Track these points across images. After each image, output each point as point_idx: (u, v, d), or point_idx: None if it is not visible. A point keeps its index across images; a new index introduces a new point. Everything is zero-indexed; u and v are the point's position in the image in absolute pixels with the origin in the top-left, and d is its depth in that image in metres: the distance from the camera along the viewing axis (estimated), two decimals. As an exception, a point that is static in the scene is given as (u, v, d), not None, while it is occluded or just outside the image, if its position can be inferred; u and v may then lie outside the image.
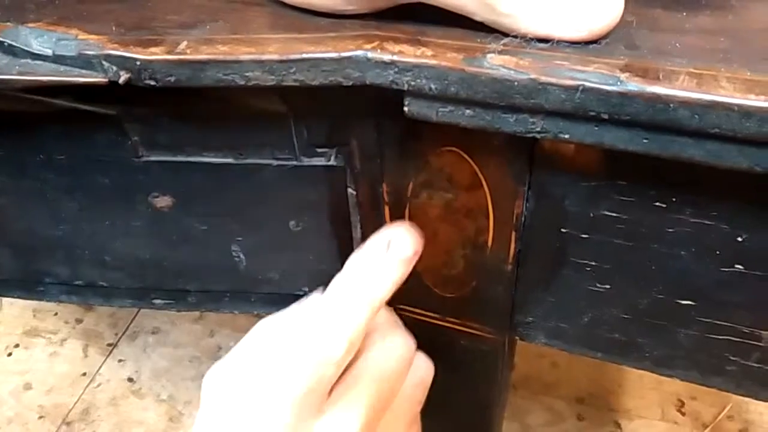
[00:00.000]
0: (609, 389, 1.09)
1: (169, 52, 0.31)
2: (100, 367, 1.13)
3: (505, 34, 0.30)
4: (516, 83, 0.28)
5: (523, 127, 0.30)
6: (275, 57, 0.30)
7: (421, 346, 0.41)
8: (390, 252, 0.35)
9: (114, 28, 0.33)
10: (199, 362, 1.14)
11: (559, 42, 0.30)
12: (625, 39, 0.30)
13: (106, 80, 0.31)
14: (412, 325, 0.43)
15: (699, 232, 0.34)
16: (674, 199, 0.33)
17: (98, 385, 1.11)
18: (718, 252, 0.34)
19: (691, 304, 0.37)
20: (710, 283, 0.36)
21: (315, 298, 0.37)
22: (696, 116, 0.27)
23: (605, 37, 0.30)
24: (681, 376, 0.42)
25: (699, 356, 0.40)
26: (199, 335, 1.19)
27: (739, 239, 0.33)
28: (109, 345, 1.17)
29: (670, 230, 0.34)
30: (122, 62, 0.31)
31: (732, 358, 0.39)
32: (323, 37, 0.31)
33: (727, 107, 0.26)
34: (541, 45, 0.30)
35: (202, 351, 1.16)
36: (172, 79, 0.31)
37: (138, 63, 0.31)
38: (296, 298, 0.47)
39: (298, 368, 0.33)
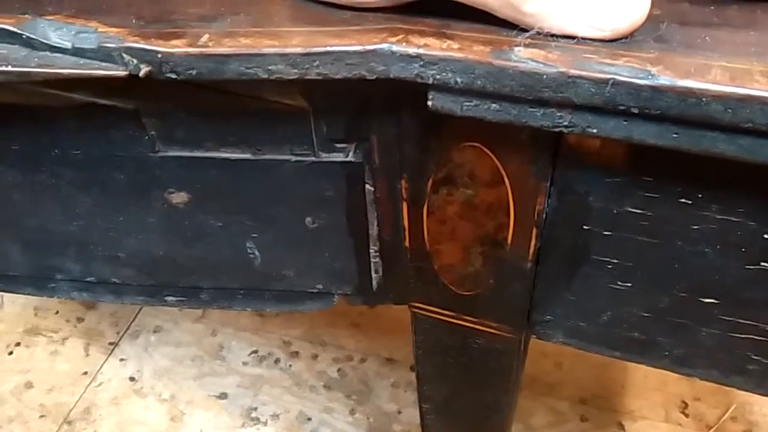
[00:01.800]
0: (612, 390, 1.08)
1: (190, 45, 0.30)
2: (102, 365, 1.12)
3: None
4: (545, 76, 0.28)
5: (551, 121, 0.30)
6: (299, 50, 0.30)
7: (434, 345, 0.41)
8: None
9: (134, 21, 0.32)
10: (201, 362, 1.13)
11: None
12: (653, 33, 0.30)
13: (126, 73, 0.31)
14: (425, 324, 0.43)
15: (724, 229, 0.33)
16: (700, 196, 0.33)
17: (99, 384, 1.10)
18: (743, 249, 0.34)
19: (714, 303, 0.37)
20: (734, 281, 0.35)
21: None
22: (729, 110, 0.26)
23: (632, 34, 0.30)
24: (701, 375, 0.41)
25: (720, 355, 0.39)
26: (201, 334, 1.19)
27: (766, 236, 0.33)
28: (111, 344, 1.16)
29: (695, 227, 0.34)
30: (143, 55, 0.31)
31: (754, 357, 0.39)
32: (347, 30, 0.31)
33: (762, 101, 0.26)
34: (568, 39, 0.30)
35: (204, 350, 1.15)
36: (194, 72, 0.31)
37: (159, 56, 0.30)
38: (310, 295, 0.47)
39: None
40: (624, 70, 0.27)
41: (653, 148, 0.30)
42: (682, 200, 0.33)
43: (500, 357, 0.46)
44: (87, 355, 1.13)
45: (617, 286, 0.39)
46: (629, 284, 0.38)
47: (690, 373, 0.41)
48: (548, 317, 0.42)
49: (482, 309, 0.44)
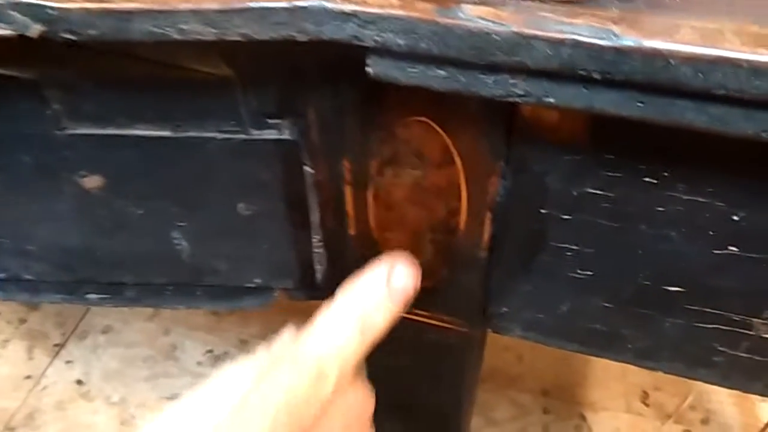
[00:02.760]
0: (574, 381, 1.08)
1: (89, 0, 0.26)
2: (46, 369, 1.07)
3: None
4: (496, 37, 0.25)
5: (503, 89, 0.26)
6: (216, 6, 0.26)
7: (384, 342, 0.37)
8: (391, 285, 0.31)
9: (23, -27, 0.28)
10: (153, 362, 1.08)
11: (542, -2, 0.26)
12: (617, -9, 0.27)
13: (15, 33, 0.26)
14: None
15: (692, 211, 0.31)
16: (666, 174, 0.30)
17: (44, 388, 1.04)
18: (711, 232, 0.31)
19: (679, 291, 0.34)
20: (701, 268, 0.33)
21: (289, 338, 0.32)
22: (700, 74, 0.24)
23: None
24: (665, 368, 0.39)
25: (685, 347, 0.37)
26: (153, 334, 1.14)
27: (735, 218, 0.30)
28: (56, 345, 1.11)
29: (660, 209, 0.31)
30: (34, 12, 0.26)
31: (720, 348, 0.36)
32: (273, -15, 0.27)
33: (735, 63, 0.23)
34: (523, -3, 0.26)
35: (156, 350, 1.11)
36: (94, 32, 0.26)
37: (53, 12, 0.26)
38: (247, 291, 0.43)
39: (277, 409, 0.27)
40: (584, 29, 0.24)
41: (616, 120, 0.27)
42: (647, 179, 0.31)
43: (455, 353, 0.43)
44: (30, 358, 1.07)
45: (577, 275, 0.36)
46: (589, 272, 0.35)
47: (654, 366, 0.39)
48: (504, 309, 0.40)
49: (435, 302, 0.40)
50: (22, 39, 0.27)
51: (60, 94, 0.32)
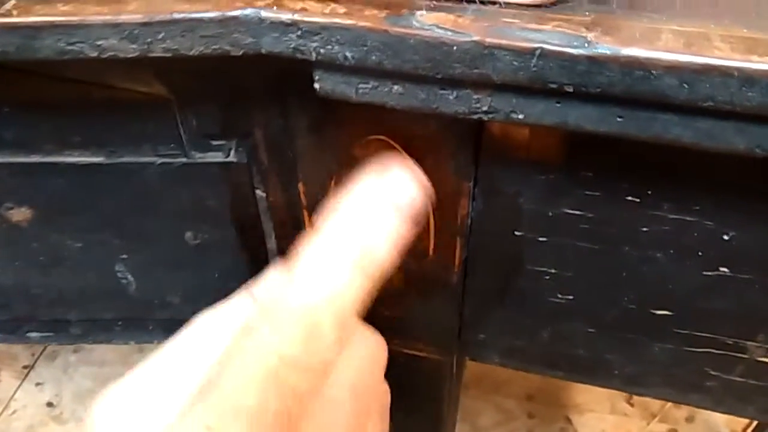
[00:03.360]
0: (559, 385, 1.07)
1: (-13, 14, 0.23)
2: (15, 392, 1.04)
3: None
4: (455, 48, 0.22)
5: (466, 106, 0.23)
6: (137, 18, 0.23)
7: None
8: (397, 206, 0.24)
9: None
10: (127, 381, 1.04)
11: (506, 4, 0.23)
12: (590, -8, 0.24)
13: None
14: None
15: (679, 231, 0.28)
16: (650, 192, 0.27)
17: (13, 413, 1.01)
18: (700, 253, 0.29)
19: (667, 315, 0.32)
20: (690, 290, 0.30)
21: (276, 280, 0.26)
22: (685, 85, 0.21)
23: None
24: (654, 394, 0.36)
25: (675, 372, 0.34)
26: (126, 351, 1.10)
27: (725, 237, 0.28)
28: (25, 367, 1.07)
29: (645, 229, 0.29)
30: (-74, 29, 0.23)
31: (712, 372, 0.34)
32: (203, -7, 0.24)
33: (724, 72, 0.20)
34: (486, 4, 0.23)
35: (130, 368, 1.07)
36: (-3, 50, 0.23)
37: (-54, 29, 0.23)
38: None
39: (262, 379, 0.21)
40: (554, 36, 0.21)
41: (593, 136, 0.24)
42: (629, 198, 0.28)
43: (430, 382, 0.40)
44: (-2, 381, 1.02)
45: (557, 300, 0.33)
46: (570, 297, 0.33)
47: (643, 392, 0.36)
48: (481, 336, 0.37)
49: (407, 330, 0.37)
50: None
51: (-27, 120, 0.29)
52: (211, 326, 0.26)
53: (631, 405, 1.05)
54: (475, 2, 0.23)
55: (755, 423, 0.86)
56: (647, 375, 0.35)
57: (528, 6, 0.23)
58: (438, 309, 0.35)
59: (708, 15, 0.23)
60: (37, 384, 1.04)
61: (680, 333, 0.32)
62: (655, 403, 1.03)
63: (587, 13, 0.23)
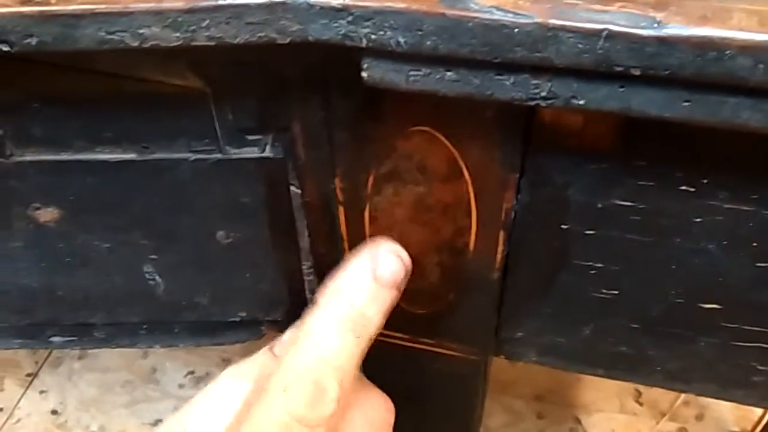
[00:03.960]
0: (567, 384, 1.07)
1: (24, 3, 0.22)
2: (19, 400, 1.03)
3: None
4: (516, 30, 0.21)
5: (524, 92, 0.23)
6: (180, 5, 0.22)
7: (385, 374, 0.33)
8: (379, 273, 0.29)
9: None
10: (132, 387, 1.04)
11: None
12: (647, -27, 0.23)
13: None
14: (374, 350, 0.36)
15: (733, 221, 0.27)
16: (705, 182, 0.27)
17: (17, 421, 1.00)
18: (755, 244, 0.28)
19: (716, 308, 0.31)
20: (741, 282, 0.30)
21: (288, 339, 0.30)
22: (760, 65, 0.20)
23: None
24: (696, 390, 0.35)
25: (720, 367, 0.34)
26: (131, 357, 1.10)
27: (783, 227, 0.27)
28: (29, 375, 1.07)
29: (698, 220, 0.28)
30: (-43, 20, 0.22)
31: (760, 368, 0.33)
32: (247, -21, 0.23)
33: (803, 51, 0.19)
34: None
35: (135, 374, 1.07)
36: (34, 41, 0.22)
37: (-20, 19, 0.22)
38: (230, 325, 0.39)
39: None
40: (621, 17, 0.20)
41: (650, 123, 0.23)
42: (683, 188, 0.27)
43: (465, 383, 0.39)
44: (1, 389, 1.02)
45: (601, 295, 0.32)
46: (616, 292, 0.32)
47: (685, 388, 0.35)
48: (519, 334, 0.36)
49: (441, 329, 0.37)
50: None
51: (2, 116, 0.28)
52: (233, 382, 0.30)
53: (640, 404, 1.04)
54: (535, -16, 0.22)
55: (765, 420, 0.85)
56: (690, 371, 0.35)
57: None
58: (476, 306, 0.34)
59: (774, -6, 0.22)
60: (41, 392, 1.03)
61: (728, 327, 0.32)
62: (664, 402, 1.03)
63: (651, -6, 0.22)
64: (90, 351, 1.09)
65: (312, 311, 0.28)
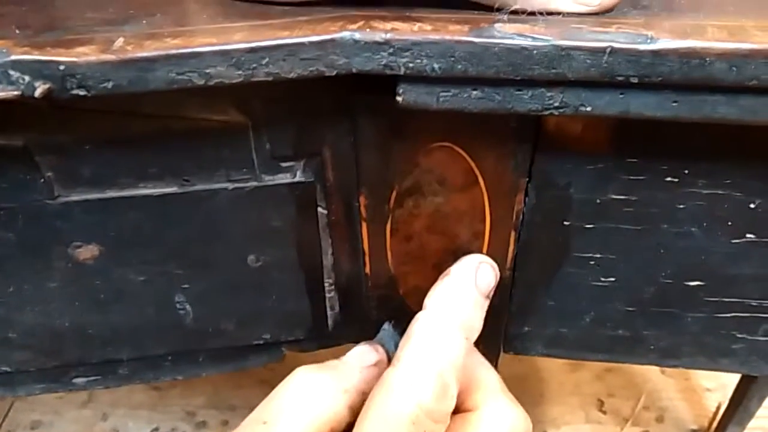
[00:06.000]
0: (532, 401, 1.09)
1: (103, 51, 0.24)
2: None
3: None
4: (535, 51, 0.25)
5: (540, 103, 0.26)
6: (244, 45, 0.24)
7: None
8: (479, 285, 0.32)
9: (17, 31, 0.25)
10: (93, 453, 0.98)
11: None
12: (629, 0, 0.28)
13: (18, 93, 0.24)
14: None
15: (711, 204, 0.32)
16: (687, 172, 0.31)
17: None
18: (730, 223, 0.33)
19: (699, 285, 0.35)
20: (720, 259, 0.34)
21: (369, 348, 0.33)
22: (734, 69, 0.24)
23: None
24: (687, 364, 0.39)
25: (706, 339, 0.38)
26: (89, 421, 1.04)
27: (752, 206, 0.32)
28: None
29: (681, 206, 0.32)
30: (38, 69, 0.24)
31: (739, 335, 0.37)
32: (294, 21, 0.26)
33: (766, 55, 0.24)
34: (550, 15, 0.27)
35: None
36: (110, 84, 0.24)
37: (61, 67, 0.24)
38: (253, 349, 0.40)
39: None
40: (620, 36, 0.25)
41: (639, 124, 0.27)
42: (668, 179, 0.31)
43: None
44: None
45: (600, 283, 0.36)
46: (612, 279, 0.36)
47: (676, 363, 0.39)
48: (526, 328, 0.39)
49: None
50: (20, 97, 0.24)
51: (54, 159, 0.29)
52: (311, 374, 0.31)
53: (604, 412, 1.08)
54: (542, 14, 0.26)
55: (720, 416, 0.91)
56: (680, 346, 0.39)
57: (587, 14, 0.27)
58: (490, 305, 0.37)
59: (733, 12, 0.27)
60: None
61: (711, 301, 0.36)
62: (625, 408, 1.07)
63: (637, 17, 0.27)
64: (43, 420, 1.03)
65: (424, 317, 0.30)
